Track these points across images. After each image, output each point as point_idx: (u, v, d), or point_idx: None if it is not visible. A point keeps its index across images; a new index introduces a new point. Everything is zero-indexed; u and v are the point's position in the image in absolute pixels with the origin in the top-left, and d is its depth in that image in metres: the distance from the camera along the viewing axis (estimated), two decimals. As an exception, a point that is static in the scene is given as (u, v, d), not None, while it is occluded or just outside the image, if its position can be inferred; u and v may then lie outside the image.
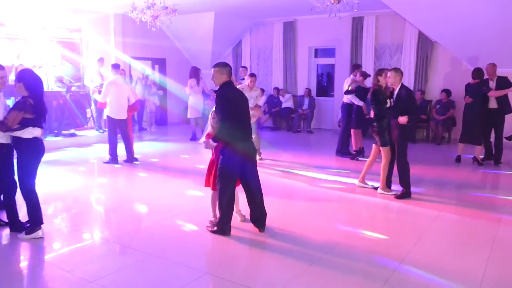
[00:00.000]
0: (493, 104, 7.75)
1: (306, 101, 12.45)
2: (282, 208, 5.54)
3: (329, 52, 12.94)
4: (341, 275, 3.61)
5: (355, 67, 8.60)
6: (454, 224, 4.92)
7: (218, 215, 4.55)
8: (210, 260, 4.08)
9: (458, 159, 8.14)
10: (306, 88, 12.57)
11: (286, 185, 6.64)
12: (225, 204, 4.38)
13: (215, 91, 4.57)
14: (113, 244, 4.34)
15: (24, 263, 4.00)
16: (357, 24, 11.71)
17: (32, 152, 4.32)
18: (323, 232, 4.58)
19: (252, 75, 7.89)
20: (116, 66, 8.01)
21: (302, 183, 6.65)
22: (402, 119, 5.52)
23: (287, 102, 12.72)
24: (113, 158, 7.80)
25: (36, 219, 4.34)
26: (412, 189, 5.85)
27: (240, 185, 4.55)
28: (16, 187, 4.43)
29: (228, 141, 4.29)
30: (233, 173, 4.37)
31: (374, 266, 3.77)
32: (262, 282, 3.50)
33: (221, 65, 4.40)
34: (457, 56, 10.43)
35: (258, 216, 4.55)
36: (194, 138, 10.34)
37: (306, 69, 12.95)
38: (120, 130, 7.73)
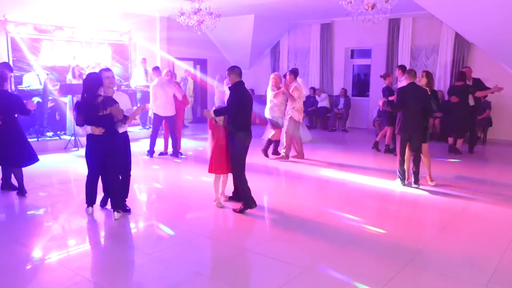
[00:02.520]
0: (471, 102, 8.99)
1: (342, 100, 12.77)
2: (316, 200, 6.02)
3: (365, 53, 13.20)
4: (367, 255, 4.04)
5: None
6: (478, 217, 5.19)
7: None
8: (249, 239, 4.58)
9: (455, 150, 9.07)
10: (342, 88, 12.88)
11: (321, 179, 7.05)
12: (245, 183, 5.22)
13: (230, 88, 5.38)
14: (163, 226, 4.91)
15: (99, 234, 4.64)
16: (394, 26, 11.92)
17: (87, 146, 4.94)
18: (355, 221, 5.00)
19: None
20: (156, 69, 8.57)
21: (336, 177, 7.04)
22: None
23: (323, 101, 13.08)
24: (150, 151, 8.52)
25: (86, 199, 5.08)
26: (444, 184, 6.24)
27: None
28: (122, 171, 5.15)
29: (240, 128, 5.18)
30: (244, 156, 5.29)
31: (398, 251, 4.15)
32: (298, 258, 3.95)
33: (232, 68, 5.31)
34: (494, 58, 10.46)
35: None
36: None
37: (342, 70, 13.26)
38: (168, 126, 8.42)
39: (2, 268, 3.75)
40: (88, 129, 4.79)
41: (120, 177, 5.11)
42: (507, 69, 10.42)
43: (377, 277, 3.58)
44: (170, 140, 8.63)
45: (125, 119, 4.97)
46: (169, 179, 7.21)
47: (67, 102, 9.73)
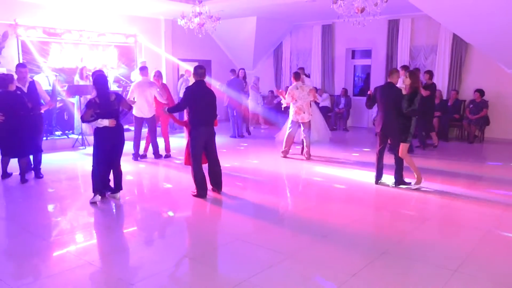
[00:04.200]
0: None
1: (343, 100, 13.01)
2: (305, 195, 6.31)
3: (365, 53, 13.43)
4: (345, 246, 4.31)
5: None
6: (457, 213, 5.43)
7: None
8: (241, 229, 4.85)
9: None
10: (343, 88, 13.12)
11: (314, 176, 7.31)
12: (199, 175, 5.71)
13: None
14: (158, 217, 5.25)
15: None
16: (393, 27, 12.14)
17: (98, 139, 5.45)
18: (340, 215, 5.29)
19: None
20: (143, 69, 8.46)
21: (330, 174, 7.31)
22: None
23: (324, 101, 13.30)
24: (134, 154, 8.32)
25: (93, 188, 5.52)
26: (434, 181, 6.46)
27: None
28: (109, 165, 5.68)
29: (192, 125, 5.67)
30: (199, 150, 5.74)
31: (376, 242, 4.43)
32: (286, 247, 4.25)
33: (195, 68, 5.83)
34: (491, 58, 10.62)
35: (216, 182, 5.96)
36: (234, 136, 11.21)
37: (343, 70, 13.51)
38: (148, 127, 8.42)
39: (14, 254, 4.12)
40: (106, 122, 5.33)
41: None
42: (504, 68, 10.59)
43: (351, 264, 3.84)
44: (165, 141, 8.71)
45: (131, 108, 5.92)
46: (167, 176, 7.53)
47: (74, 102, 10.12)
